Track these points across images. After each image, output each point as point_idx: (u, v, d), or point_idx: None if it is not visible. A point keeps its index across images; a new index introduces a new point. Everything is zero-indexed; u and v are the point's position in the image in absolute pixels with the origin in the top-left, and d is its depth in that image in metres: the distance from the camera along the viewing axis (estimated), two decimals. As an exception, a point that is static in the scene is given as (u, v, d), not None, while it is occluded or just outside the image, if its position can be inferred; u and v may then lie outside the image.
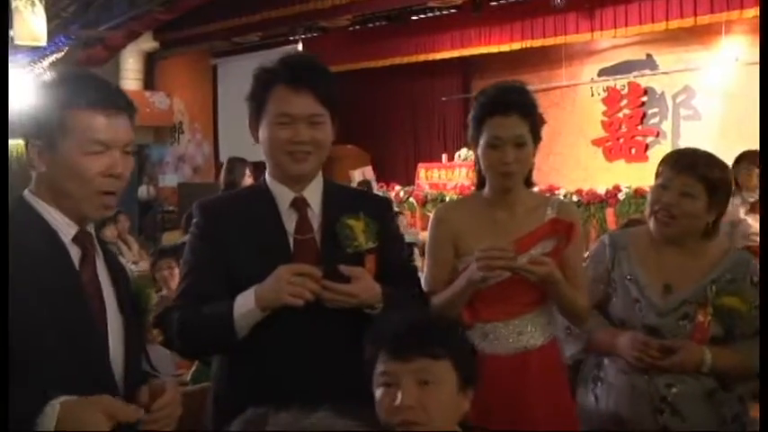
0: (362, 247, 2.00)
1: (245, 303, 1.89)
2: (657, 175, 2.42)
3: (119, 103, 1.73)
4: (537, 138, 2.32)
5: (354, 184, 10.58)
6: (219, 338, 1.94)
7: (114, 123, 1.69)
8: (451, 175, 11.10)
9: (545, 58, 11.40)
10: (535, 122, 2.31)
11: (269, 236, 2.03)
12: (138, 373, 1.75)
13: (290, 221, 2.05)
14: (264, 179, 2.12)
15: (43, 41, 9.53)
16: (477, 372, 1.74)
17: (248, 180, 5.57)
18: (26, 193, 1.70)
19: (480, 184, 2.42)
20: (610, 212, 9.01)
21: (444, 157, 11.58)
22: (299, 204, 2.06)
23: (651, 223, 2.41)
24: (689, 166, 2.32)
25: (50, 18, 9.53)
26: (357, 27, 12.00)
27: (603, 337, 2.43)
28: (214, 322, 1.92)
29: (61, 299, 1.55)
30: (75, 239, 1.68)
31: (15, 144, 1.83)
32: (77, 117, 1.65)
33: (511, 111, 2.25)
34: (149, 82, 15.07)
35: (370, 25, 11.94)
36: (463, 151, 11.26)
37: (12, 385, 1.45)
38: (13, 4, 9.14)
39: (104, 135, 1.67)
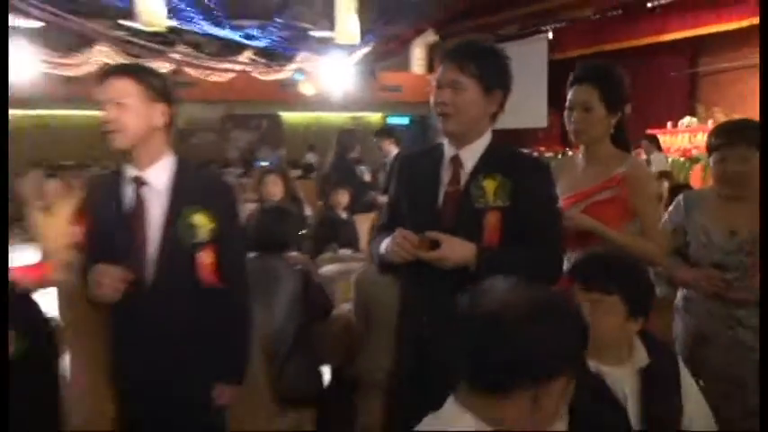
0: (489, 204, 2.06)
1: (381, 249, 2.19)
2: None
3: (116, 68, 2.13)
4: (612, 106, 2.46)
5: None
6: (380, 266, 2.28)
7: (103, 84, 2.10)
8: (675, 139, 11.51)
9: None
10: (607, 91, 2.44)
11: (427, 185, 2.19)
12: None
13: (446, 175, 2.17)
14: None
15: (357, 41, 11.20)
16: None
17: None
18: None
19: None
20: None
21: (669, 124, 12.04)
22: (455, 161, 2.17)
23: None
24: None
25: (361, 21, 11.04)
26: (598, 17, 13.41)
27: (678, 274, 2.66)
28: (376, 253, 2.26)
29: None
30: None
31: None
32: None
33: (582, 81, 2.45)
34: (431, 67, 16.01)
35: (609, 15, 13.29)
36: (686, 119, 11.90)
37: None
38: (336, 14, 10.95)
39: (99, 95, 2.07)
